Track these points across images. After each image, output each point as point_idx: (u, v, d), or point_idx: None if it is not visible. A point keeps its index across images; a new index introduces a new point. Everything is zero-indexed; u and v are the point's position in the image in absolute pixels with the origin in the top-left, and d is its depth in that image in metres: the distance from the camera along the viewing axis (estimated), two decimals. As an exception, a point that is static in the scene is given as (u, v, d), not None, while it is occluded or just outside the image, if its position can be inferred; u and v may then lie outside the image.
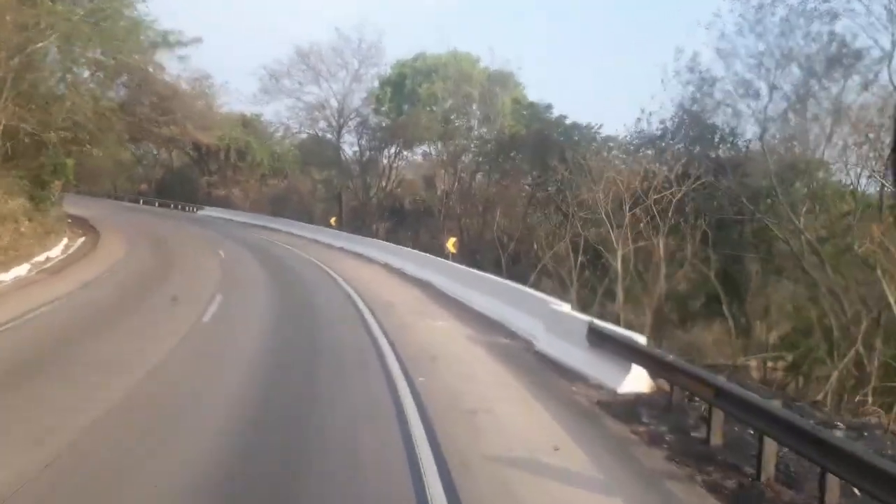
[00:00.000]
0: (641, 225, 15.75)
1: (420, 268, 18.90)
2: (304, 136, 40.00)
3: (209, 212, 42.31)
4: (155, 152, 50.28)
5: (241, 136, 45.36)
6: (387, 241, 41.17)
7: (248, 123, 47.26)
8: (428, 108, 28.93)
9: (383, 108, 31.58)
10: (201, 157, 46.83)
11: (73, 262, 18.65)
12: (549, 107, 24.79)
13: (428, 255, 19.32)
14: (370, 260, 22.85)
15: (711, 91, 20.58)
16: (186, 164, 51.34)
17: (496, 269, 24.15)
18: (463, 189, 28.26)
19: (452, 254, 19.35)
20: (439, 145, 29.99)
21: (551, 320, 9.72)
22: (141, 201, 47.12)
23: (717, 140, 21.71)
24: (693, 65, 20.33)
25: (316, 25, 77.31)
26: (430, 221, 39.82)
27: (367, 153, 35.27)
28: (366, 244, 25.21)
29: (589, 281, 20.05)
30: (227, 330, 10.37)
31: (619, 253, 15.27)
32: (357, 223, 40.70)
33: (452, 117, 30.44)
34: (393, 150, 34.22)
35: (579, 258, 18.23)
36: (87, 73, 23.10)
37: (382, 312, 12.46)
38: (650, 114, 22.39)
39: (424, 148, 31.81)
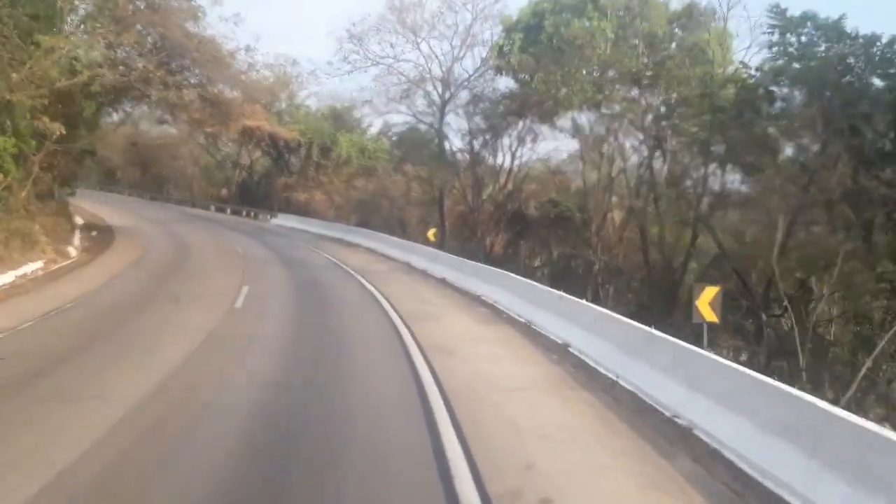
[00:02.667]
0: None
1: (627, 355, 7.86)
2: (395, 120, 29.99)
3: (283, 220, 33.90)
4: (227, 150, 43.20)
5: (326, 129, 36.83)
6: (503, 258, 30.34)
7: (337, 116, 38.76)
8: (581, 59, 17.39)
9: (509, 64, 20.69)
10: (280, 154, 38.84)
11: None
12: (840, 19, 12.51)
13: (637, 325, 8.14)
14: (496, 313, 12.08)
15: None
16: (269, 167, 43.88)
17: (747, 342, 12.47)
18: (661, 179, 16.55)
19: (712, 324, 8.11)
20: (600, 110, 18.46)
21: None
22: (213, 208, 40.01)
23: None
24: None
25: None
26: (568, 233, 28.49)
27: (483, 137, 24.63)
28: (482, 276, 14.51)
29: None
30: None
31: None
32: (464, 234, 30.26)
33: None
34: (519, 129, 23.25)
35: None
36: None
37: None
38: None
39: (574, 117, 20.19)
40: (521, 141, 23.86)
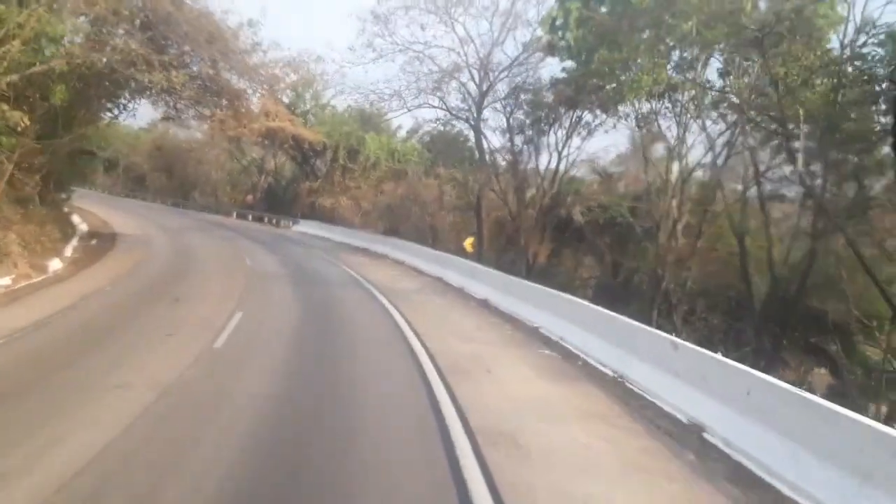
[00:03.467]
0: None
1: (848, 474, 4.39)
2: (427, 116, 26.77)
3: (305, 227, 31.14)
4: (253, 155, 40.78)
5: (353, 131, 34.04)
6: (546, 271, 26.84)
7: (366, 118, 35.98)
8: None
9: (563, 40, 17.21)
10: (305, 158, 36.20)
11: None
12: None
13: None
14: (568, 359, 8.69)
15: None
16: (296, 172, 41.31)
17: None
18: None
19: None
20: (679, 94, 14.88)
21: None
22: (235, 214, 37.60)
23: None
24: None
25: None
26: (623, 243, 24.88)
27: (525, 133, 21.28)
28: (538, 300, 11.13)
29: None
30: None
31: None
32: (500, 242, 26.95)
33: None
34: (571, 121, 19.81)
35: None
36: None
37: None
38: None
39: (636, 105, 16.59)
40: (570, 135, 20.35)
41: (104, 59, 11.69)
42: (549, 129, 20.46)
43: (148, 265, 16.50)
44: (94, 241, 20.98)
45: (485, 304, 12.87)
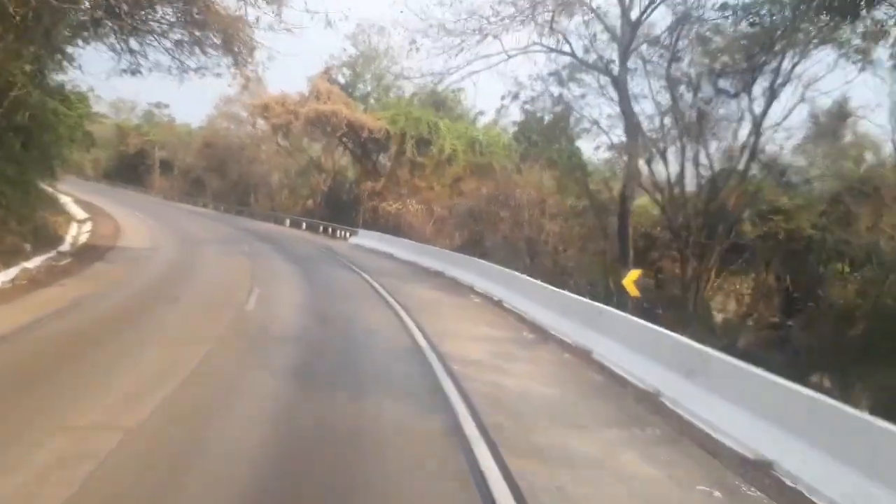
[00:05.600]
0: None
1: None
2: (527, 69, 18.34)
3: (363, 239, 23.75)
4: (311, 154, 34.05)
5: (424, 116, 26.42)
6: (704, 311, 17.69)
7: (440, 103, 28.35)
8: None
9: None
10: (365, 151, 28.92)
11: None
12: None
13: None
14: None
15: None
16: (360, 173, 34.20)
17: None
18: None
19: None
20: None
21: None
22: (288, 222, 30.97)
23: None
24: None
25: None
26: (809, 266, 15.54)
27: (706, 89, 12.48)
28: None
29: None
30: None
31: None
32: (638, 261, 18.12)
33: None
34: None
35: None
36: None
37: None
38: None
39: None
40: (782, 84, 11.29)
41: None
42: (753, 81, 11.54)
43: (86, 306, 9.17)
44: (67, 260, 14.41)
45: (782, 488, 4.42)
